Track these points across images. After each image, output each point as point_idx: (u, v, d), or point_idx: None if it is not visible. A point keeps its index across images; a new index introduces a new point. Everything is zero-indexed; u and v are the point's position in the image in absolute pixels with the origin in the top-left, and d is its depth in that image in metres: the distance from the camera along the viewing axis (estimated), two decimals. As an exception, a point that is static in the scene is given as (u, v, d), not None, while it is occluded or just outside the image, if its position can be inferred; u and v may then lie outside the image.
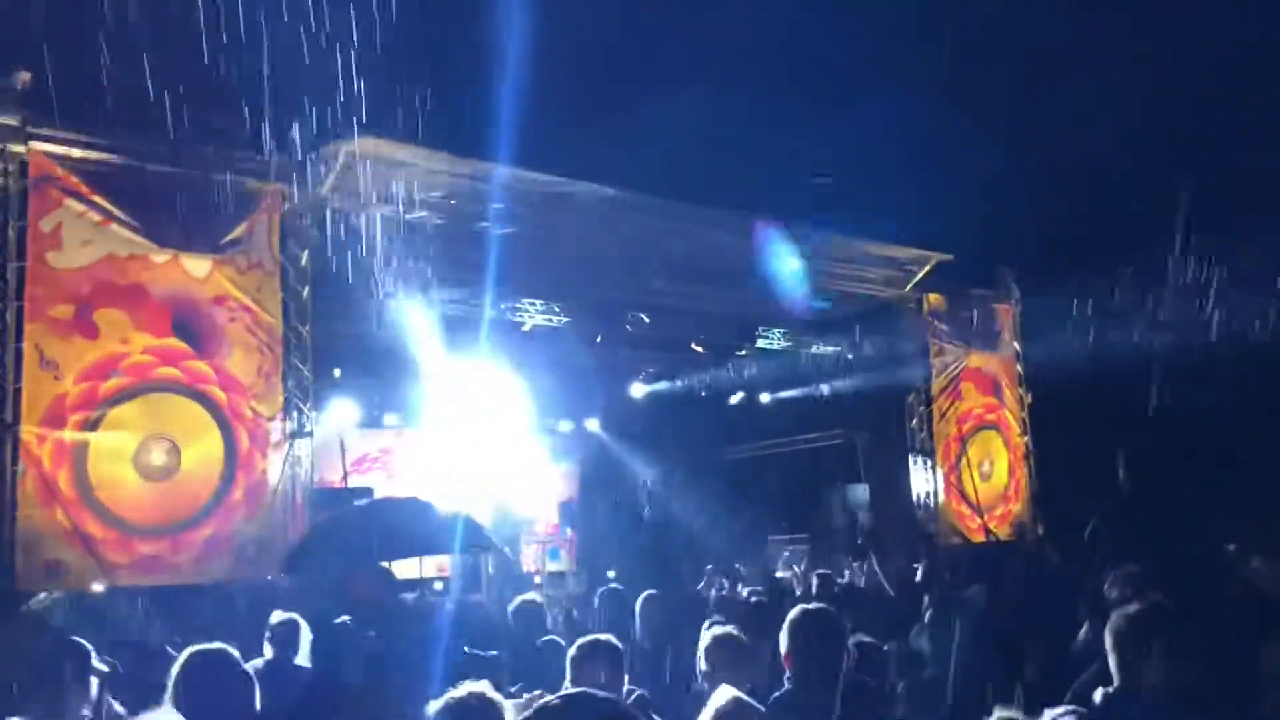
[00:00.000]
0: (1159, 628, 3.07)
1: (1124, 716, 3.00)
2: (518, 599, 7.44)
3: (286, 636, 6.47)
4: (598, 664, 4.41)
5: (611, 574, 14.56)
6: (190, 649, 3.79)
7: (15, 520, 9.82)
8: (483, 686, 2.55)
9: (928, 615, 5.27)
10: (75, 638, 4.10)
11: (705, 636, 4.56)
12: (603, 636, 4.65)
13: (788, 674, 3.74)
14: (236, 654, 3.93)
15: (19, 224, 10.15)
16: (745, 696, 3.19)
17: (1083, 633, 4.86)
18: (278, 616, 6.64)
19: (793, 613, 4.01)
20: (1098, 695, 3.12)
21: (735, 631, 4.63)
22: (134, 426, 10.56)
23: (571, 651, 4.54)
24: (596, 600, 8.13)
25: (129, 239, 10.69)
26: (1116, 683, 3.10)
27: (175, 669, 3.70)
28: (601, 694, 1.97)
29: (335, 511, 11.34)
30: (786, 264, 14.76)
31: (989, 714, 2.62)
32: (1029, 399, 18.66)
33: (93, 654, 3.95)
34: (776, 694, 3.65)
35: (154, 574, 10.40)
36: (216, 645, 3.88)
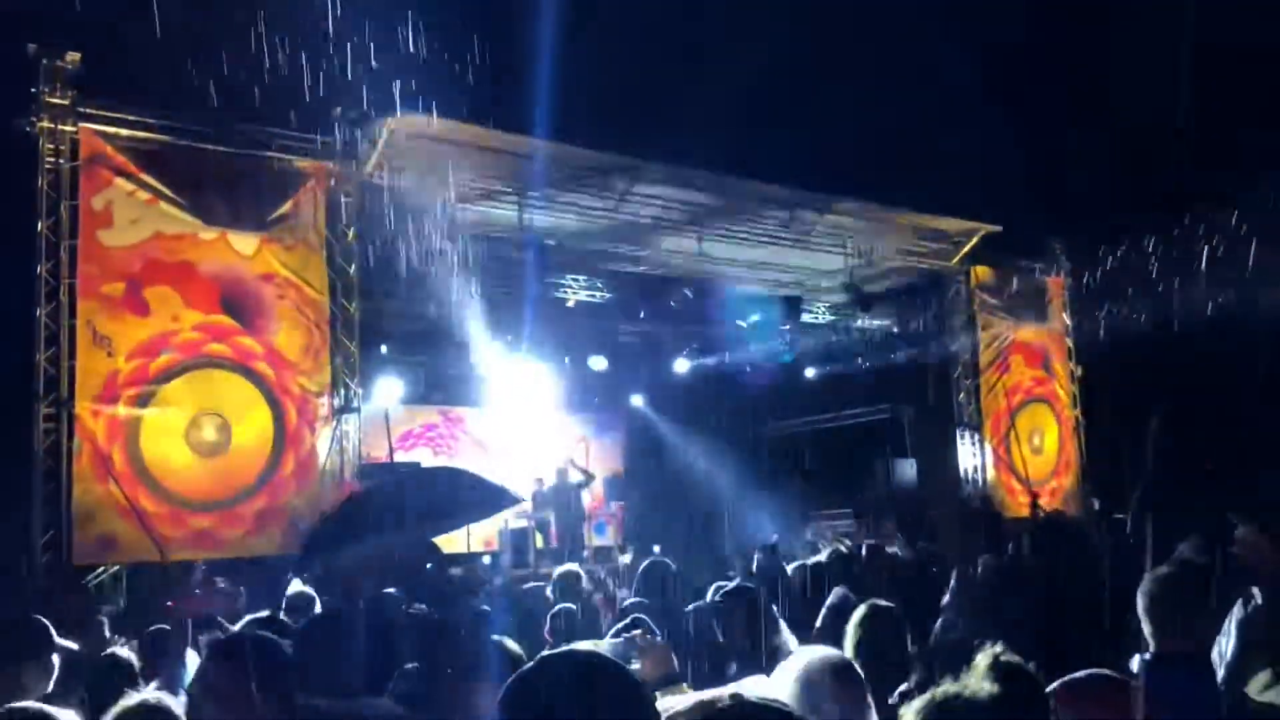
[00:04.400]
0: (1189, 591, 3.04)
1: (1161, 682, 2.97)
2: (559, 569, 7.48)
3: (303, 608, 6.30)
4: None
5: (657, 548, 14.60)
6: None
7: (72, 495, 10.07)
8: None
9: (952, 583, 5.25)
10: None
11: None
12: None
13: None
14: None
15: (71, 203, 10.35)
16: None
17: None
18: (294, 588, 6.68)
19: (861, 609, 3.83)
20: (1134, 662, 3.09)
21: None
22: (185, 403, 10.73)
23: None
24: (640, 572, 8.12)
25: (177, 217, 10.85)
26: (1151, 648, 3.08)
27: None
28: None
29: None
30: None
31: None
32: (1079, 372, 18.43)
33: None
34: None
35: (205, 548, 10.58)
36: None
